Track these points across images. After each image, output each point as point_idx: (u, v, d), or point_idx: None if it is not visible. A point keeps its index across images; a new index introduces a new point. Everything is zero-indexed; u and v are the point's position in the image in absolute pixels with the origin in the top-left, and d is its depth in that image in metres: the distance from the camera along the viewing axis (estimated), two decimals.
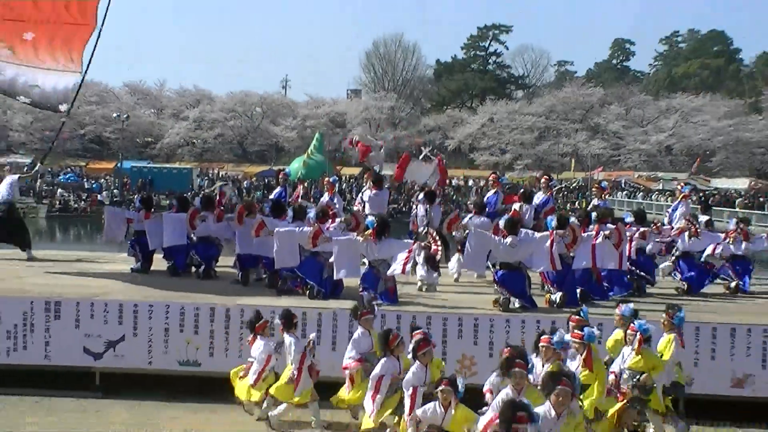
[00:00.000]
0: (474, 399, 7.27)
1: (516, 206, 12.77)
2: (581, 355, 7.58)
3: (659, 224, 12.99)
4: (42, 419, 9.27)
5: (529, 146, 66.75)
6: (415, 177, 15.60)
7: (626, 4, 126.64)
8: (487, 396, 7.27)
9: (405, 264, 10.27)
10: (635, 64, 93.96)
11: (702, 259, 12.23)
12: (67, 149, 66.08)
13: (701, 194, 39.84)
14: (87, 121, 68.04)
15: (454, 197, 47.55)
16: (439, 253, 11.58)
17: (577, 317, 8.14)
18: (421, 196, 13.29)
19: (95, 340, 10.24)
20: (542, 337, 7.54)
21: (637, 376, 7.86)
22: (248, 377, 8.90)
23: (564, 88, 75.11)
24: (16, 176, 15.07)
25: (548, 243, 10.42)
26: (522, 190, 13.57)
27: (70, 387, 10.14)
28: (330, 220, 11.35)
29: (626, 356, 8.02)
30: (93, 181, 54.56)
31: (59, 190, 49.57)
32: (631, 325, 8.03)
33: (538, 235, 10.70)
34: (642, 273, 11.82)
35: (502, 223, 10.82)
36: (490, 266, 10.99)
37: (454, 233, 12.35)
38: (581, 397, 7.12)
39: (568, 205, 44.70)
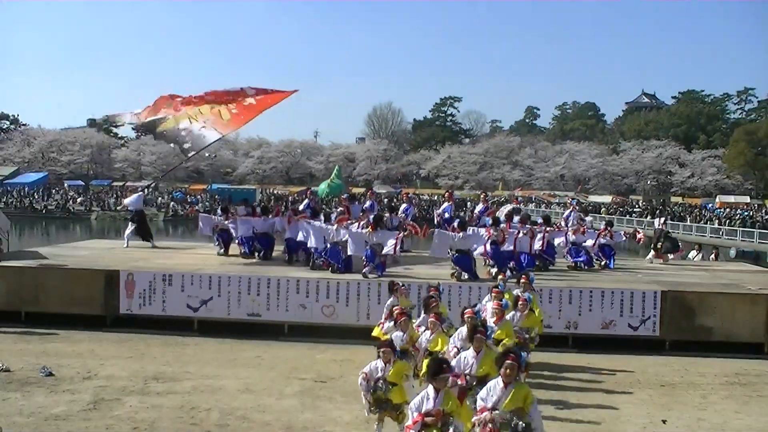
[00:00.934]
0: None
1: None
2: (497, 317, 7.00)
3: (558, 225, 13.04)
4: (161, 349, 9.25)
5: (473, 174, 66.70)
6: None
7: (535, 84, 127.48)
8: (453, 351, 6.13)
9: (395, 246, 10.37)
10: (540, 122, 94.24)
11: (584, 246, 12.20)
12: (177, 176, 65.92)
13: (582, 205, 39.88)
14: (190, 158, 67.78)
15: (426, 208, 47.37)
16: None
17: (496, 288, 7.68)
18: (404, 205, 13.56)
19: (194, 299, 10.22)
20: (466, 310, 6.57)
21: (527, 331, 7.41)
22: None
23: (495, 137, 75.29)
24: (142, 192, 15.13)
25: (485, 236, 10.50)
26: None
27: (178, 329, 10.12)
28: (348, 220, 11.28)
29: (516, 319, 7.45)
30: (192, 197, 54.35)
31: (171, 203, 49.33)
32: (521, 296, 7.63)
33: (481, 231, 10.72)
34: (545, 256, 11.68)
35: (456, 223, 10.93)
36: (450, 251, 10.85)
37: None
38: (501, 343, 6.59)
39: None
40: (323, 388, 7.62)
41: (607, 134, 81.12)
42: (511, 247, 10.75)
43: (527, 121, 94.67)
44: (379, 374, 5.51)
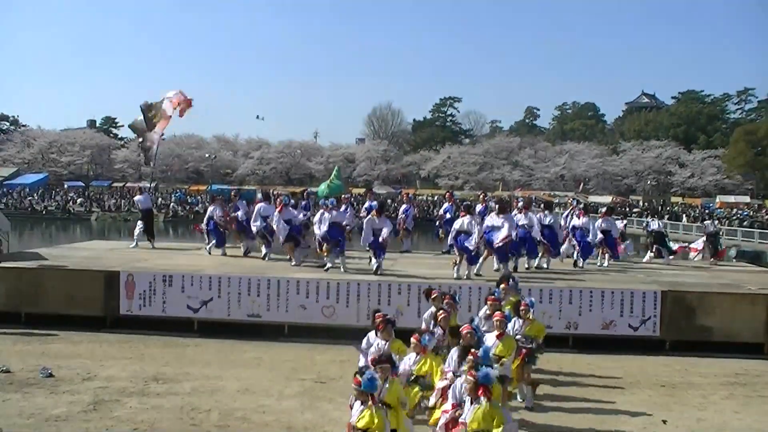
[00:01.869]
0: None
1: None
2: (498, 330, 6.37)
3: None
4: (161, 350, 9.26)
5: (473, 175, 66.60)
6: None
7: (535, 84, 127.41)
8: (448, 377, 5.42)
9: (388, 234, 10.69)
10: (540, 122, 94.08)
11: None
12: (177, 177, 65.92)
13: (582, 205, 39.82)
14: (190, 159, 67.75)
15: (427, 208, 47.43)
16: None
17: (493, 297, 7.01)
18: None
19: (194, 300, 10.22)
20: (463, 326, 5.93)
21: (532, 341, 6.84)
22: None
23: (495, 137, 75.02)
24: (147, 193, 15.29)
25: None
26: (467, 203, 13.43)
27: (178, 330, 10.13)
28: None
29: (519, 326, 6.86)
30: (192, 198, 54.28)
31: (172, 204, 49.28)
32: (523, 301, 7.00)
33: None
34: (547, 242, 11.64)
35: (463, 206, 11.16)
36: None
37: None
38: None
39: None
40: (323, 388, 7.61)
41: (607, 134, 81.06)
42: (514, 233, 10.57)
43: (527, 121, 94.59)
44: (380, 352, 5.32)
